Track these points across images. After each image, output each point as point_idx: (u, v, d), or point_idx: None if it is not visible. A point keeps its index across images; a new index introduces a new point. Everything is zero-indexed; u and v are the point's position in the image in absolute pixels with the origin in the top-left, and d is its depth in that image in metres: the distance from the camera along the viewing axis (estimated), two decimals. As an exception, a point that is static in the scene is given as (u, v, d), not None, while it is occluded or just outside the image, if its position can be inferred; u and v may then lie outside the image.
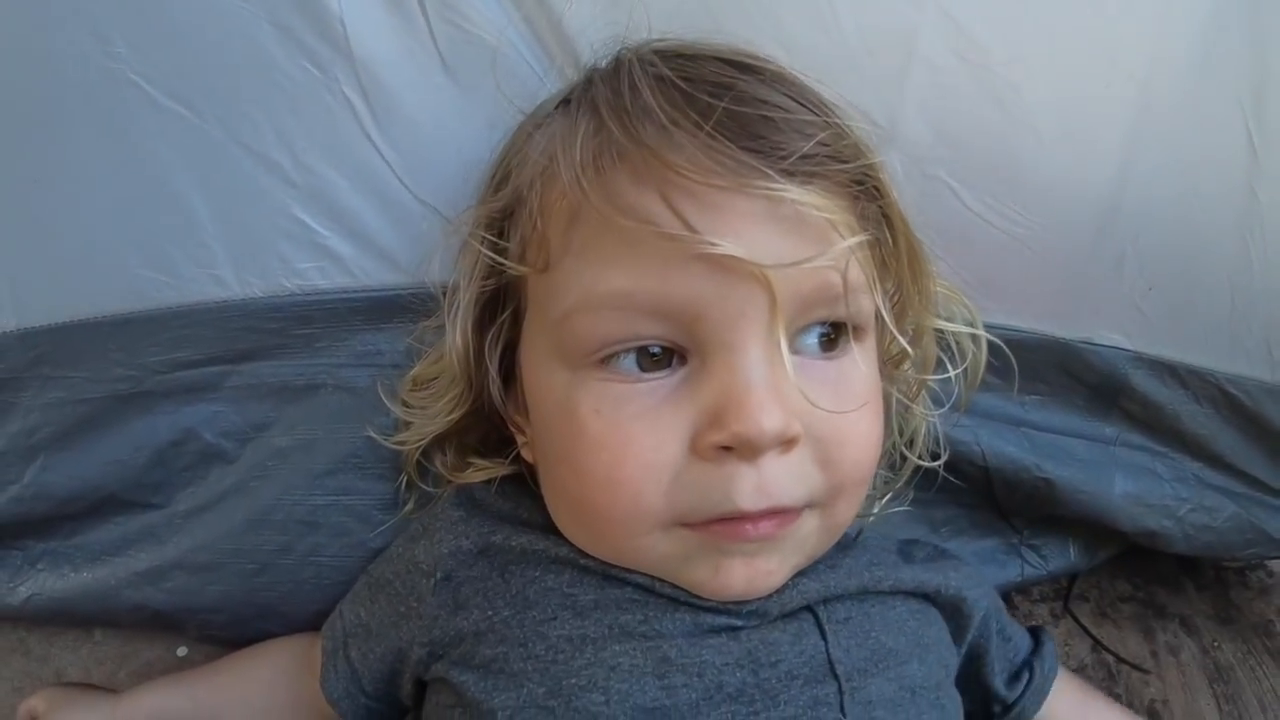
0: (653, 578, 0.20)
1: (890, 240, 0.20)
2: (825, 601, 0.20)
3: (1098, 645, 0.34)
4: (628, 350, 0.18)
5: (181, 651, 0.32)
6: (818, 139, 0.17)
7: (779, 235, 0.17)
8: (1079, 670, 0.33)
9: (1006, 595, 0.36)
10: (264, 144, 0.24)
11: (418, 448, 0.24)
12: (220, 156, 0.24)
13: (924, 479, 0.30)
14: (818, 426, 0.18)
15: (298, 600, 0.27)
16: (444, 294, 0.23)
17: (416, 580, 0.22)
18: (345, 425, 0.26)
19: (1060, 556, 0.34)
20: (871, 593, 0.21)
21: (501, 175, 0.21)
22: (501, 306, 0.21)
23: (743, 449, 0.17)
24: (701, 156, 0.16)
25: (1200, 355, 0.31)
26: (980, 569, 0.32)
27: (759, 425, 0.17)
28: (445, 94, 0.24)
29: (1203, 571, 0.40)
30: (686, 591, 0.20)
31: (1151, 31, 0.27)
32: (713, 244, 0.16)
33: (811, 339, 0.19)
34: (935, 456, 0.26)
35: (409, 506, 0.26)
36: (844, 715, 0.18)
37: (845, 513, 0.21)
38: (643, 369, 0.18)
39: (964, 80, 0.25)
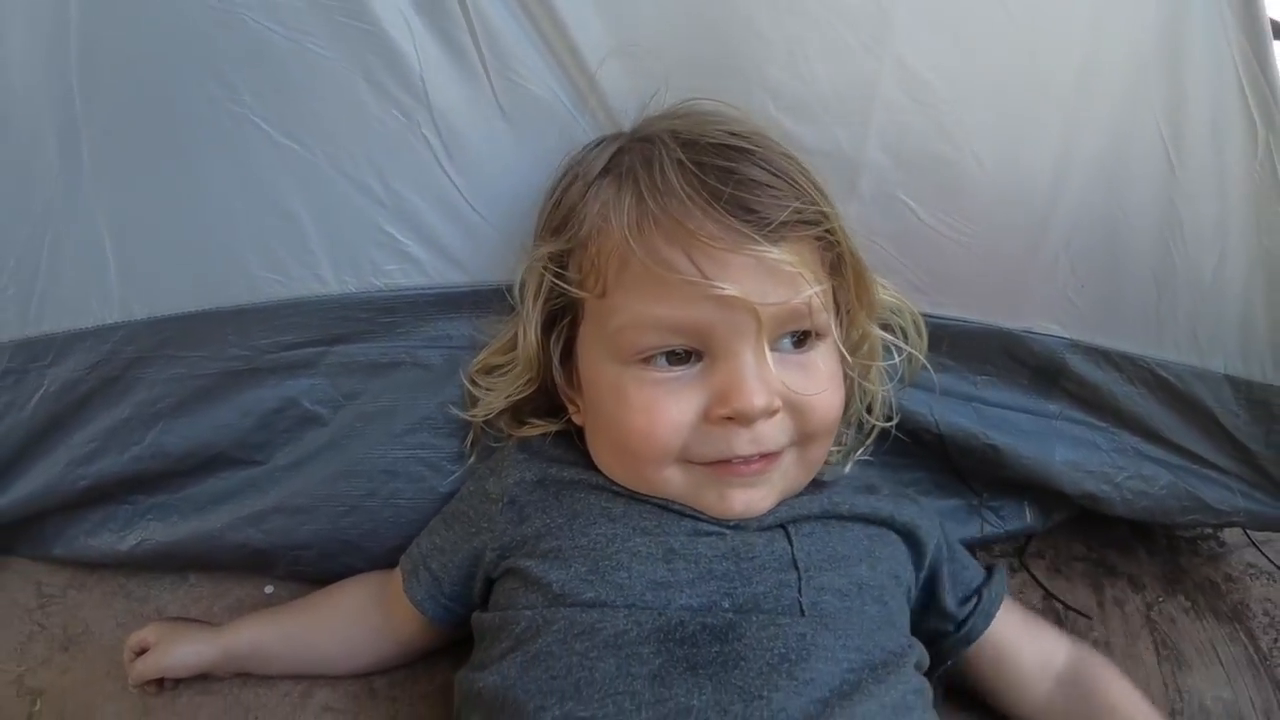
0: (668, 500, 0.34)
1: (842, 273, 0.34)
2: (794, 521, 0.34)
3: (1049, 595, 0.48)
4: (660, 353, 0.32)
5: (269, 589, 0.46)
6: (791, 208, 0.31)
7: (764, 280, 0.30)
8: (1029, 614, 0.47)
9: (970, 549, 0.50)
10: (359, 172, 0.38)
11: (486, 418, 0.38)
12: (324, 181, 0.38)
13: (892, 447, 0.43)
14: (792, 399, 0.32)
15: (377, 537, 0.41)
16: (507, 291, 0.38)
17: (487, 507, 0.36)
18: (421, 394, 0.40)
19: (1016, 517, 0.48)
20: (832, 516, 0.35)
21: (560, 222, 0.35)
22: (562, 316, 0.36)
23: (740, 419, 0.31)
24: (712, 227, 0.30)
25: (1131, 343, 0.45)
26: (944, 523, 0.46)
27: (751, 404, 0.30)
28: (502, 133, 0.38)
29: (1155, 539, 0.54)
30: (695, 510, 0.33)
31: (1078, 71, 0.40)
32: (720, 288, 0.30)
33: (786, 341, 0.33)
34: (891, 421, 0.40)
35: (473, 459, 0.40)
36: (800, 594, 0.31)
37: (817, 453, 0.35)
38: (670, 364, 0.32)
39: (917, 117, 0.39)
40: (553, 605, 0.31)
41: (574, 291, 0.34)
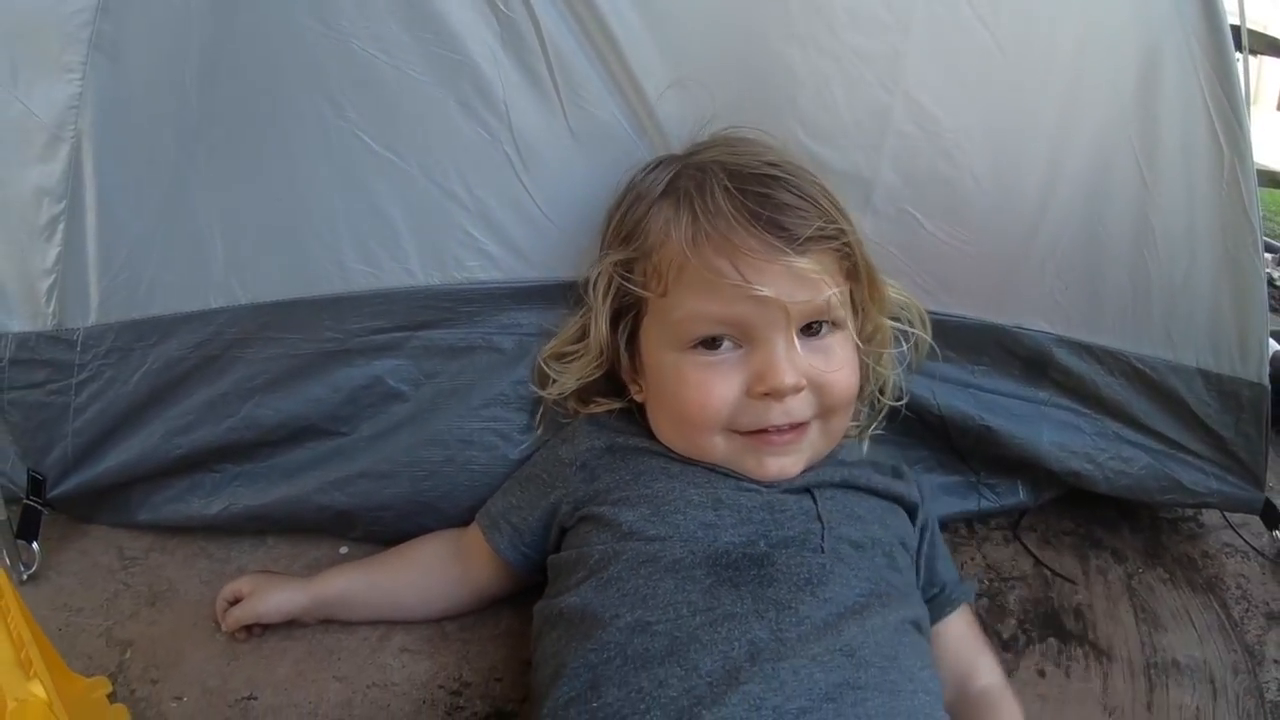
0: (715, 464, 0.44)
1: (857, 278, 0.45)
2: (819, 486, 0.45)
3: (1038, 562, 0.59)
4: (710, 340, 0.43)
5: (344, 550, 0.55)
6: (815, 226, 0.42)
7: (793, 283, 0.41)
8: (1020, 579, 0.57)
9: (968, 522, 0.60)
10: (447, 180, 0.48)
11: (559, 396, 0.49)
12: (416, 187, 0.48)
13: (901, 428, 0.54)
14: (815, 378, 0.43)
15: (453, 499, 0.50)
16: (573, 287, 0.48)
17: (561, 470, 0.47)
18: (494, 374, 0.50)
19: (1010, 493, 0.59)
20: (851, 486, 0.45)
21: (627, 233, 0.46)
22: (627, 311, 0.46)
23: (774, 395, 0.42)
24: (752, 242, 0.41)
25: (1111, 338, 0.56)
26: (944, 498, 0.56)
27: (783, 382, 0.42)
28: (571, 150, 0.48)
29: (1139, 518, 0.65)
30: (737, 473, 0.44)
31: (1062, 101, 0.51)
32: (758, 290, 0.40)
33: (810, 330, 0.44)
34: (902, 406, 0.51)
35: (540, 430, 0.50)
36: (823, 540, 0.42)
37: (837, 425, 0.46)
38: (718, 350, 0.43)
39: (923, 142, 0.50)
40: (622, 540, 0.41)
41: (640, 291, 0.45)
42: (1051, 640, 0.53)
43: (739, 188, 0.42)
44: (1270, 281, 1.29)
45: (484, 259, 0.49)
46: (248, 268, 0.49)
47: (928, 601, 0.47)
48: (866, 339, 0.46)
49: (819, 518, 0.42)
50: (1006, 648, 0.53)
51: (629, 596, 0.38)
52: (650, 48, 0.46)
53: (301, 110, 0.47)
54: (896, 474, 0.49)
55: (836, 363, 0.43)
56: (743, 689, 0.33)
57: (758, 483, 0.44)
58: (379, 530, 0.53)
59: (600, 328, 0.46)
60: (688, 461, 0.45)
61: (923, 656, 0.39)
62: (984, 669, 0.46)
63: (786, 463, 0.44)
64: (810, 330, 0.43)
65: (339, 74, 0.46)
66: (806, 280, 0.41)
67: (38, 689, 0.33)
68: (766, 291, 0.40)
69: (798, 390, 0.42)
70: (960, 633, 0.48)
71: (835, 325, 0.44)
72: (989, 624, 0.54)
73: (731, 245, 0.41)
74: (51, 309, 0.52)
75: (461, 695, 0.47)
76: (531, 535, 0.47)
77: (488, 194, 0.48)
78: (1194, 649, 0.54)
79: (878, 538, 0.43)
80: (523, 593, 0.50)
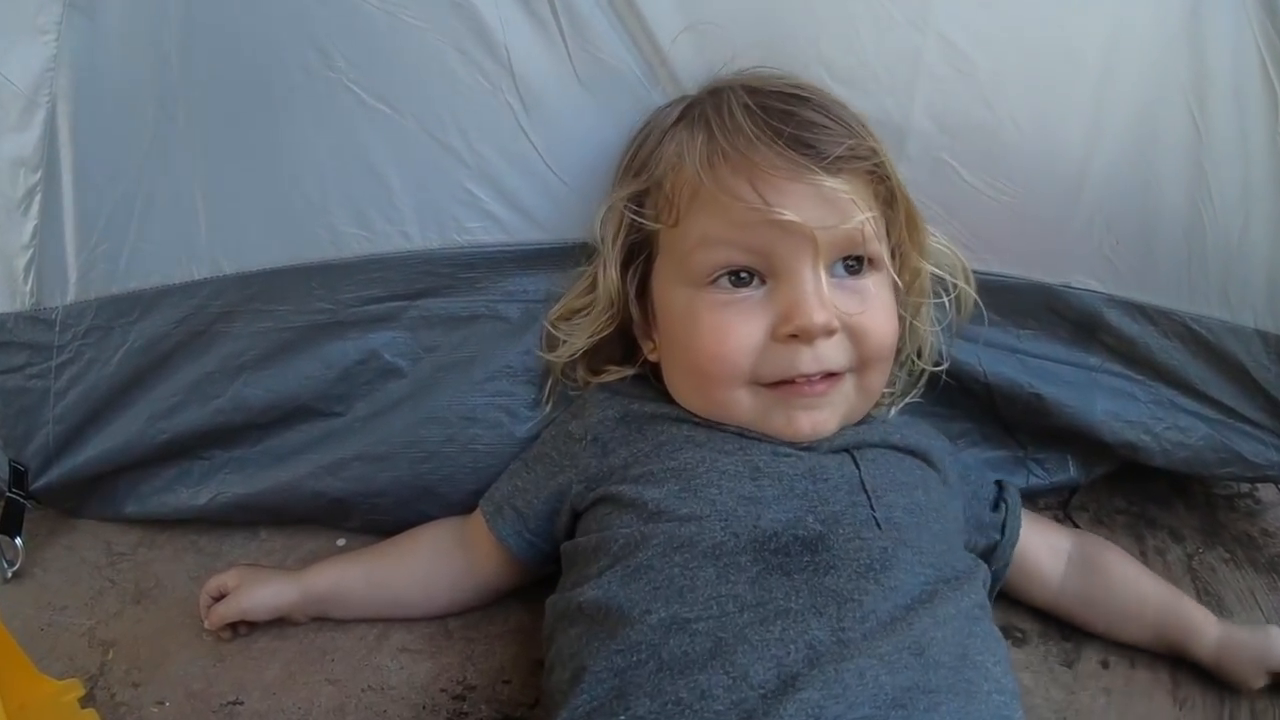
0: (742, 428, 0.39)
1: (894, 207, 0.40)
2: (858, 447, 0.39)
3: (1094, 544, 0.53)
4: (727, 274, 0.38)
5: (340, 543, 0.51)
6: (845, 144, 0.37)
7: (821, 207, 0.36)
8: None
9: None
10: (446, 134, 0.44)
11: (569, 360, 0.44)
12: (412, 142, 0.44)
13: (941, 398, 0.49)
14: (849, 322, 0.38)
15: (454, 482, 0.46)
16: (581, 248, 0.44)
17: (570, 446, 0.42)
18: (499, 345, 0.46)
19: (1060, 469, 0.54)
20: (889, 446, 0.40)
21: (639, 167, 0.42)
22: (639, 253, 0.42)
23: (803, 335, 0.36)
24: (775, 159, 0.36)
25: (1165, 297, 0.51)
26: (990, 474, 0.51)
27: (812, 320, 0.36)
28: (579, 100, 0.44)
29: (1193, 494, 0.60)
30: (768, 436, 0.39)
31: (1106, 43, 0.47)
32: (780, 213, 0.35)
33: (841, 267, 0.39)
34: (942, 372, 0.46)
35: (549, 407, 0.46)
36: (874, 511, 0.36)
37: (874, 381, 0.40)
38: (736, 286, 0.38)
39: (959, 86, 0.45)
40: (649, 522, 0.36)
41: (650, 224, 0.39)
42: (1113, 628, 0.49)
43: (760, 104, 0.37)
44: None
45: (486, 220, 0.44)
46: (232, 234, 0.46)
47: (1004, 521, 0.44)
48: (905, 286, 0.41)
49: (863, 485, 0.37)
50: (1066, 638, 0.48)
51: (662, 589, 0.33)
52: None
53: (287, 62, 0.43)
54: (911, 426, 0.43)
55: (873, 305, 0.38)
56: (799, 696, 0.28)
57: (793, 445, 0.38)
58: (377, 519, 0.49)
59: (610, 274, 0.41)
60: (714, 426, 0.39)
61: (995, 648, 0.34)
62: (1060, 533, 0.48)
63: (820, 417, 0.38)
64: (843, 269, 0.38)
65: (326, 20, 0.42)
66: (836, 203, 0.36)
67: None
68: (790, 215, 0.35)
69: (829, 331, 0.36)
70: (1029, 525, 0.45)
71: (871, 264, 0.39)
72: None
73: (751, 163, 0.36)
74: (29, 287, 0.48)
75: (465, 700, 0.43)
76: (537, 521, 0.42)
77: (489, 149, 0.44)
78: (1264, 635, 0.50)
79: (923, 504, 0.38)
80: (533, 586, 0.46)
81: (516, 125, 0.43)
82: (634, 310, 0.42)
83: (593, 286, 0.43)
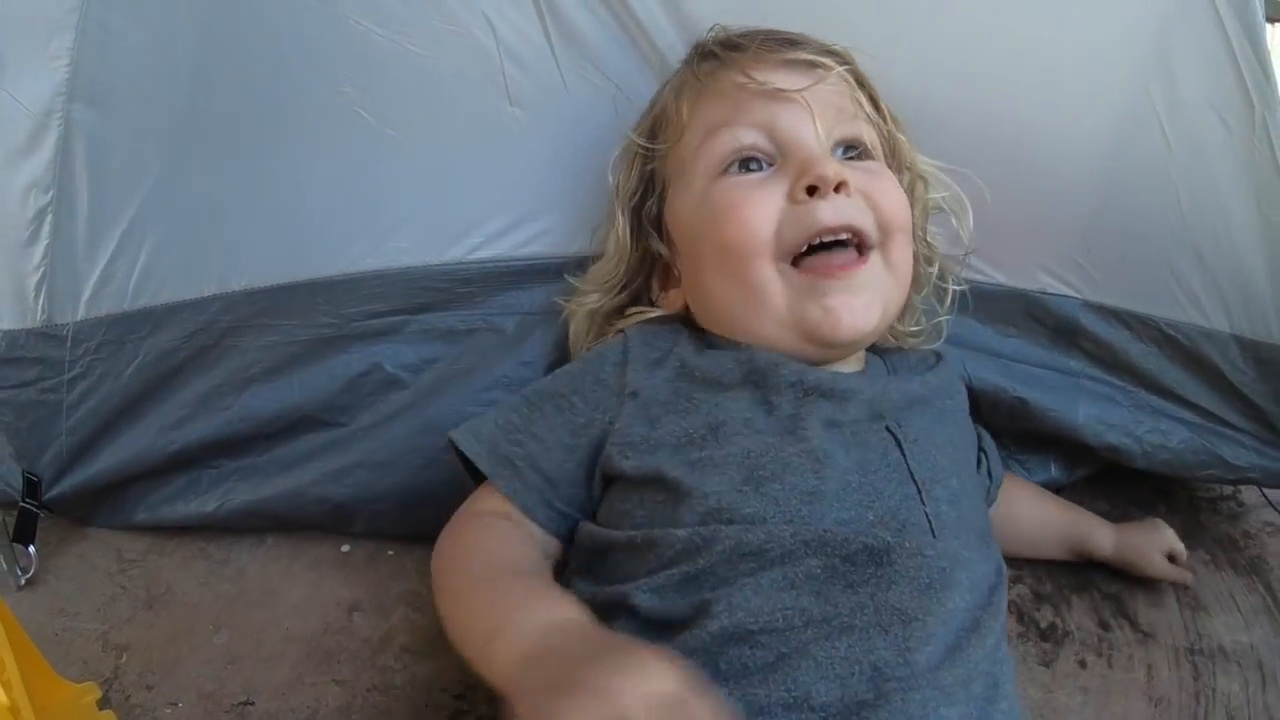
0: (786, 350, 0.37)
1: (879, 111, 0.42)
2: (892, 411, 0.37)
3: (1075, 544, 0.55)
4: (736, 162, 0.38)
5: (345, 548, 0.53)
6: (825, 48, 0.40)
7: (807, 79, 0.38)
8: (1057, 563, 0.55)
9: None
10: (446, 155, 0.46)
11: (593, 309, 0.43)
12: (414, 164, 0.46)
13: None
14: (860, 186, 0.37)
15: (454, 488, 0.47)
16: (575, 263, 0.46)
17: (600, 393, 0.37)
18: (496, 356, 0.48)
19: (1042, 470, 0.56)
20: (922, 403, 0.39)
21: (647, 124, 0.42)
22: (649, 192, 0.42)
23: (822, 186, 0.36)
24: (763, 52, 0.39)
25: (1140, 303, 0.53)
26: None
27: (825, 170, 0.36)
28: (573, 120, 0.46)
29: (1176, 497, 0.61)
30: (817, 387, 0.36)
31: (1076, 55, 0.48)
32: (771, 85, 0.37)
33: (839, 152, 0.39)
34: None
35: None
36: (925, 506, 0.34)
37: (900, 258, 0.39)
38: (748, 171, 0.38)
39: (937, 91, 0.47)
40: (709, 520, 0.33)
41: (658, 148, 0.41)
42: (1091, 629, 0.50)
43: (749, 31, 0.40)
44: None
45: (482, 236, 0.47)
46: (241, 252, 0.48)
47: (990, 468, 0.46)
48: (905, 186, 0.41)
49: (911, 476, 0.35)
50: (1045, 637, 0.49)
51: (723, 597, 0.31)
52: (654, 6, 0.45)
53: (298, 88, 0.46)
54: (940, 362, 0.43)
55: (882, 177, 0.39)
56: None
57: (834, 387, 0.36)
58: (379, 524, 0.51)
59: (620, 219, 0.41)
60: (768, 400, 0.36)
61: (1011, 672, 0.34)
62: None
63: (857, 305, 0.36)
64: (842, 154, 0.39)
65: (335, 48, 0.45)
66: (830, 99, 0.38)
67: None
68: (781, 84, 0.37)
69: (842, 184, 0.36)
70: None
71: (868, 152, 0.40)
72: (1025, 612, 0.51)
73: (742, 59, 0.38)
74: (40, 304, 0.50)
75: (465, 699, 0.44)
76: (569, 488, 0.37)
77: (487, 168, 0.46)
78: (1240, 634, 0.51)
79: (958, 491, 0.37)
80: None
81: (513, 145, 0.46)
82: (651, 242, 0.41)
83: (611, 234, 0.42)
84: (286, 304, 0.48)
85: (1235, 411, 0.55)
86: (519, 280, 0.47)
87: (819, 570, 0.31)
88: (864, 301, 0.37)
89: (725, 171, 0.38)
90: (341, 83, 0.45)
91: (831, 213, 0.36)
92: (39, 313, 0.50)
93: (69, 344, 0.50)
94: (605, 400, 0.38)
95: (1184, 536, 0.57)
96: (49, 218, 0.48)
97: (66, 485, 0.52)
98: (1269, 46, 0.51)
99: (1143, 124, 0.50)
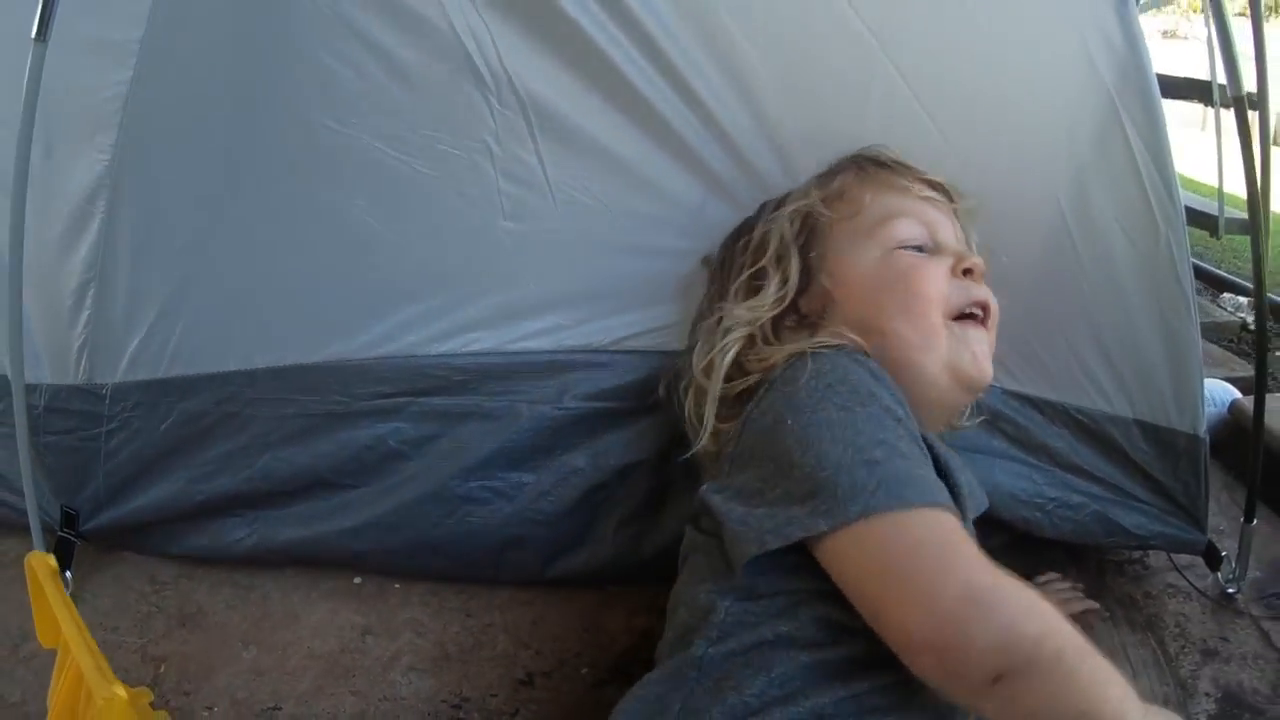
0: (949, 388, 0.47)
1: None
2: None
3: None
4: (910, 244, 0.50)
5: (357, 580, 0.61)
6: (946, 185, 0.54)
7: (946, 199, 0.53)
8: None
9: None
10: (446, 262, 0.54)
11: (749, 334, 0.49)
12: (418, 268, 0.54)
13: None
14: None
15: (457, 543, 0.56)
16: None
17: (900, 427, 0.39)
18: (489, 437, 0.56)
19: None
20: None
21: (828, 189, 0.53)
22: (808, 246, 0.52)
23: (975, 269, 0.50)
24: (920, 172, 0.53)
25: (1054, 392, 0.60)
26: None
27: (978, 261, 0.50)
28: (556, 232, 0.53)
29: (1086, 559, 0.68)
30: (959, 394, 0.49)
31: (1002, 172, 0.54)
32: (933, 193, 0.52)
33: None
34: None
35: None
36: None
37: (994, 338, 0.51)
38: (919, 251, 0.50)
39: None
40: None
41: (833, 215, 0.51)
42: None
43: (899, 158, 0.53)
44: (1243, 325, 1.31)
45: (475, 333, 0.54)
46: (263, 334, 0.55)
47: None
48: None
49: None
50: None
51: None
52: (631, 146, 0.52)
53: (316, 198, 0.53)
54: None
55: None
56: None
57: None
58: (390, 566, 0.59)
59: (791, 257, 0.50)
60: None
61: None
62: None
63: (984, 352, 0.48)
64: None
65: (351, 166, 0.52)
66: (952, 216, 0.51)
67: (120, 690, 0.40)
68: (937, 192, 0.50)
69: (983, 272, 0.49)
70: None
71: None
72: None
73: (913, 174, 0.52)
74: (82, 366, 0.58)
75: (461, 709, 0.53)
76: None
77: (482, 275, 0.53)
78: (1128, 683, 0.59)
79: None
80: (516, 617, 0.55)
81: (505, 255, 0.53)
82: (827, 284, 0.49)
83: (775, 270, 0.50)
84: (303, 382, 0.55)
85: (1138, 485, 0.62)
86: (505, 373, 0.55)
87: None
88: (986, 350, 0.49)
89: (900, 247, 0.49)
90: (355, 195, 0.52)
91: (981, 290, 0.50)
92: (80, 373, 0.57)
93: (107, 401, 0.57)
94: (904, 429, 0.40)
95: (1090, 595, 0.64)
96: (91, 291, 0.55)
97: (103, 519, 0.60)
98: (1174, 168, 0.57)
99: (1059, 238, 0.57)
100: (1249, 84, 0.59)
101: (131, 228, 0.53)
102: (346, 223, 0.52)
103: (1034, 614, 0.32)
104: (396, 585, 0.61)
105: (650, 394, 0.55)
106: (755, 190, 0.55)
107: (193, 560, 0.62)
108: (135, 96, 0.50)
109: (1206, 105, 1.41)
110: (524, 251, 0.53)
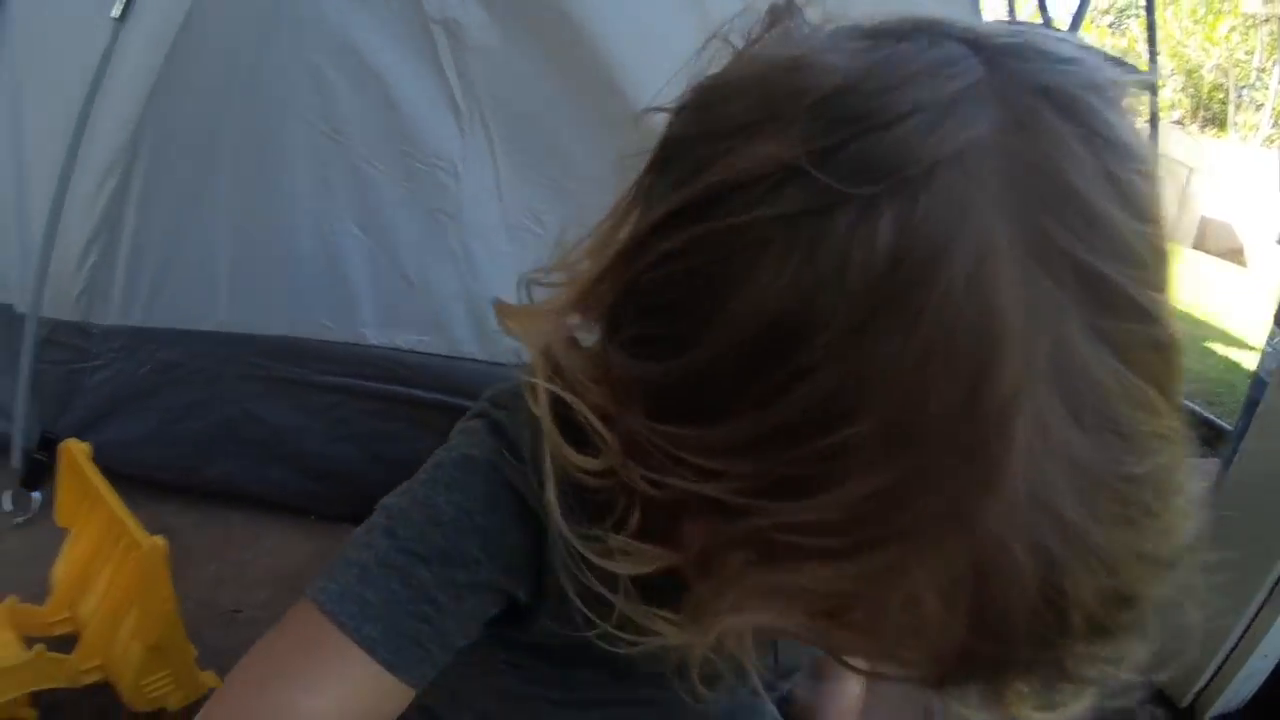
0: None
1: None
2: None
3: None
4: None
5: (311, 517, 0.71)
6: None
7: None
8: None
9: None
10: (407, 267, 0.64)
11: None
12: (381, 269, 0.63)
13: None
14: None
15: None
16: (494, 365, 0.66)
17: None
18: (421, 431, 0.65)
19: None
20: None
21: None
22: None
23: None
24: None
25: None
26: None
27: None
28: (510, 250, 0.64)
29: None
30: None
31: None
32: None
33: None
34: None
35: None
36: None
37: None
38: None
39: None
40: None
41: None
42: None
43: None
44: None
45: (421, 332, 0.64)
46: (241, 305, 0.64)
47: None
48: None
49: None
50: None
51: None
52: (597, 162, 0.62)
53: (302, 206, 0.63)
54: None
55: None
56: None
57: None
58: (340, 510, 0.69)
59: None
60: None
61: None
62: None
63: None
64: None
65: (339, 174, 0.62)
66: None
67: (160, 540, 0.45)
68: None
69: None
70: None
71: None
72: None
73: None
74: (81, 306, 0.66)
75: None
76: None
77: (438, 282, 0.63)
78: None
79: None
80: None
81: (458, 268, 0.63)
82: None
83: None
84: (268, 350, 0.64)
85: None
86: (446, 371, 0.64)
87: None
88: None
89: None
90: (339, 202, 0.62)
91: None
92: (79, 312, 0.66)
93: (96, 340, 0.66)
94: None
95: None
96: (101, 239, 0.64)
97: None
98: None
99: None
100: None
101: (140, 194, 0.62)
102: (325, 223, 0.62)
103: None
104: (346, 525, 0.71)
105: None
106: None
107: (161, 488, 0.70)
108: (164, 78, 0.60)
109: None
110: (479, 267, 0.63)
